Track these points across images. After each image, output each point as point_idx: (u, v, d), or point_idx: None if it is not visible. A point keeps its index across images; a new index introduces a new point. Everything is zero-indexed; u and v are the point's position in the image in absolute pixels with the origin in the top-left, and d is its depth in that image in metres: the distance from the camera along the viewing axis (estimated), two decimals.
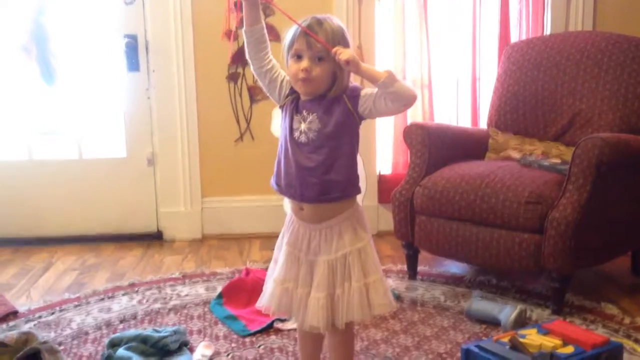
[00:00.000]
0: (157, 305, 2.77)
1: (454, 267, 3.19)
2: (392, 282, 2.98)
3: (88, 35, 3.72)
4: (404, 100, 1.74)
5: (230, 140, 3.79)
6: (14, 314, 2.69)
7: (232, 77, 3.72)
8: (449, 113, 3.90)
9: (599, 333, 2.34)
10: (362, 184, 1.88)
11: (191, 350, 2.35)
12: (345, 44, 1.75)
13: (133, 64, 3.68)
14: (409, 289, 2.91)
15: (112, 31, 3.69)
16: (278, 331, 2.48)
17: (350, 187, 1.83)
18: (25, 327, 2.52)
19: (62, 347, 2.36)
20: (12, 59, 3.66)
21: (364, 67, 1.72)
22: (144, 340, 2.31)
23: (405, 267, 3.07)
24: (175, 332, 2.38)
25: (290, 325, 2.47)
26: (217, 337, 2.46)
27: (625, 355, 2.18)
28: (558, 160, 2.86)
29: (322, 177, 1.78)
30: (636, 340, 2.37)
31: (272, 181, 1.89)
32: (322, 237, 1.83)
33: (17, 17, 3.56)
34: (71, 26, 3.68)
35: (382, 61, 3.81)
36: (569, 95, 3.09)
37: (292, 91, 1.83)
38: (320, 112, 1.77)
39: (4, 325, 2.58)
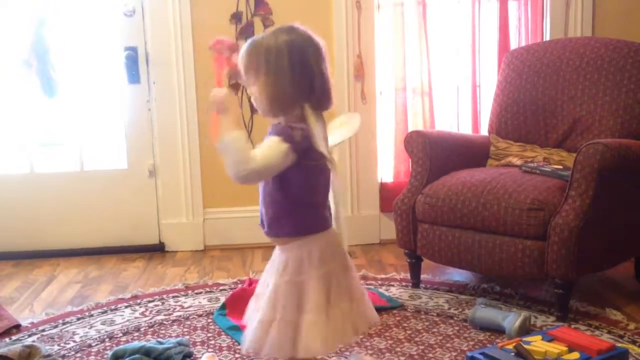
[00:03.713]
0: (160, 317, 2.77)
1: (457, 275, 3.18)
2: (395, 291, 2.98)
3: (88, 47, 3.73)
4: (230, 172, 1.66)
5: None
6: (16, 328, 2.68)
7: (233, 88, 3.72)
8: (450, 120, 3.89)
9: (604, 339, 2.33)
10: (338, 224, 1.79)
11: None
12: (253, 65, 1.75)
13: (133, 76, 3.68)
14: (413, 298, 2.91)
15: (113, 43, 3.70)
16: None
17: (279, 227, 1.76)
18: (29, 341, 2.52)
19: None
20: (13, 72, 3.67)
21: (221, 118, 1.71)
22: (147, 352, 2.30)
23: (408, 276, 3.07)
24: (178, 344, 2.38)
25: None
26: (220, 348, 2.45)
27: None
28: (560, 166, 2.86)
29: (262, 209, 1.79)
30: None
31: None
32: (272, 259, 1.83)
33: (18, 30, 3.57)
34: (72, 39, 3.69)
35: (382, 69, 3.81)
36: (569, 101, 3.09)
37: None
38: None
39: (7, 339, 2.57)
